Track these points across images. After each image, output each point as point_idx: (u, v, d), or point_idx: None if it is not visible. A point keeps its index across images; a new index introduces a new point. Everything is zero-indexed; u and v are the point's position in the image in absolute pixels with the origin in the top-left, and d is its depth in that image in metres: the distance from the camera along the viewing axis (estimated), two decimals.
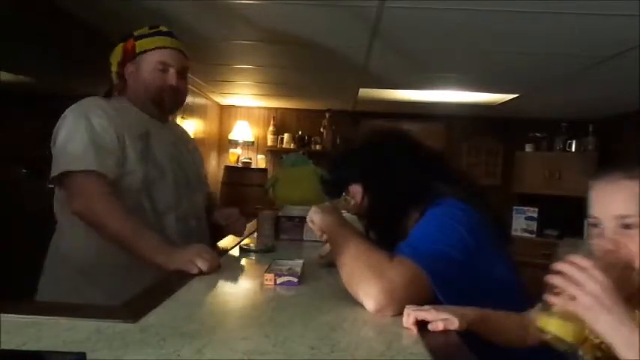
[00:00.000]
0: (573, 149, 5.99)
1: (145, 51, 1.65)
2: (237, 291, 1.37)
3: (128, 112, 1.65)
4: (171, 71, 1.67)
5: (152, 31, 1.70)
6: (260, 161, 6.48)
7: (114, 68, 1.71)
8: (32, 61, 2.52)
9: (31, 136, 2.49)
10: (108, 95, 1.71)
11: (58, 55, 2.73)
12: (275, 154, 6.34)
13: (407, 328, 1.00)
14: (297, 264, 1.46)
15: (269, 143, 6.38)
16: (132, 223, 1.44)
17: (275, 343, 0.89)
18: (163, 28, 1.72)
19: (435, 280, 1.11)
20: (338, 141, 6.22)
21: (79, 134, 1.50)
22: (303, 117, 6.49)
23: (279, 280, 1.33)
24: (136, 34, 1.69)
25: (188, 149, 1.85)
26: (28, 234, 1.68)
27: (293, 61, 3.84)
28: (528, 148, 6.16)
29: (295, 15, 2.73)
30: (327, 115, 6.25)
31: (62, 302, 1.48)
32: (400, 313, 1.04)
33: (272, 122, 6.43)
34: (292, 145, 6.26)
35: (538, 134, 6.15)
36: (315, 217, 1.38)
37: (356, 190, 1.46)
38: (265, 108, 6.52)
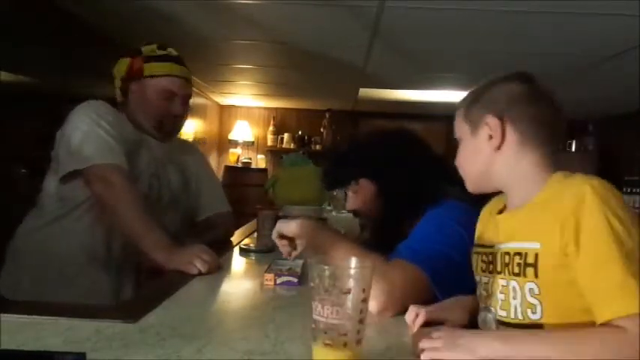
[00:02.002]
0: (573, 149, 5.99)
1: (153, 76, 1.65)
2: (237, 291, 1.37)
3: (123, 124, 1.65)
4: (176, 100, 1.67)
5: (161, 53, 1.69)
6: (260, 161, 6.49)
7: (117, 83, 1.70)
8: (32, 61, 2.52)
9: (31, 136, 2.50)
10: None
11: (58, 55, 2.73)
12: (275, 154, 6.35)
13: (408, 328, 1.00)
14: (297, 264, 1.46)
15: (269, 143, 6.38)
16: (145, 216, 1.45)
17: (275, 343, 0.89)
18: (172, 52, 1.71)
19: (435, 281, 1.11)
20: (338, 140, 6.23)
21: (96, 131, 1.53)
22: (303, 117, 6.50)
23: (279, 280, 1.33)
24: (144, 53, 1.68)
25: (178, 169, 1.79)
26: None
27: (293, 61, 3.85)
28: None
29: (295, 15, 2.74)
30: (327, 115, 6.25)
31: (62, 302, 1.48)
32: (401, 314, 1.05)
33: (272, 122, 6.44)
34: (292, 145, 6.27)
35: None
36: (286, 228, 1.23)
37: (366, 185, 1.45)
38: (265, 108, 6.52)
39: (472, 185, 1.04)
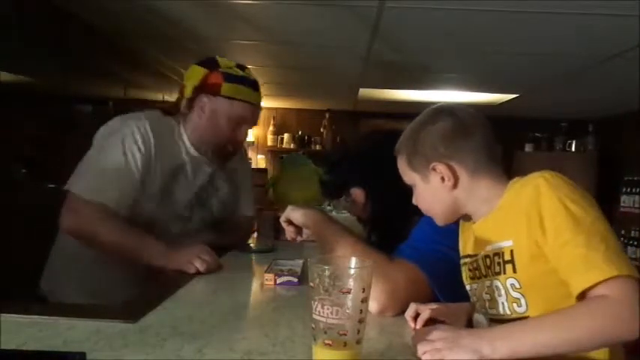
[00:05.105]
0: (573, 149, 5.99)
1: (231, 98, 1.57)
2: (237, 291, 1.37)
3: (174, 142, 1.59)
4: (245, 127, 1.62)
5: (241, 75, 1.61)
6: (260, 161, 6.48)
7: (187, 92, 1.60)
8: (32, 61, 2.52)
9: (31, 136, 2.50)
10: (171, 111, 1.63)
11: (58, 55, 2.73)
12: (275, 154, 6.34)
13: (409, 328, 1.01)
14: (297, 264, 1.46)
15: (269, 143, 6.38)
16: (126, 234, 1.43)
17: (275, 343, 0.89)
18: (250, 74, 1.63)
19: (434, 282, 1.11)
20: (338, 140, 6.23)
21: (102, 158, 1.48)
22: (303, 117, 6.49)
23: (279, 280, 1.33)
24: (222, 67, 1.59)
25: (228, 177, 1.76)
26: (28, 234, 1.68)
27: (293, 61, 3.84)
28: (528, 148, 6.16)
29: (295, 15, 2.73)
30: (327, 115, 6.25)
31: (62, 302, 1.49)
32: (401, 314, 1.05)
33: (272, 122, 6.43)
34: (292, 145, 6.26)
35: (538, 134, 6.15)
36: (294, 215, 1.29)
37: (358, 193, 1.45)
38: (265, 108, 6.51)
39: (442, 222, 1.08)
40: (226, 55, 1.68)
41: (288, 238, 1.34)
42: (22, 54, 2.44)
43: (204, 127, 1.59)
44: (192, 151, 1.62)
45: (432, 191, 1.04)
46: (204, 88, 1.57)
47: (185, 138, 1.62)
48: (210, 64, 1.60)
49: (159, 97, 4.28)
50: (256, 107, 1.63)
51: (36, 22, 2.53)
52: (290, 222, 1.31)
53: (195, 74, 1.59)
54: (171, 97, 4.53)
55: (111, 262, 1.52)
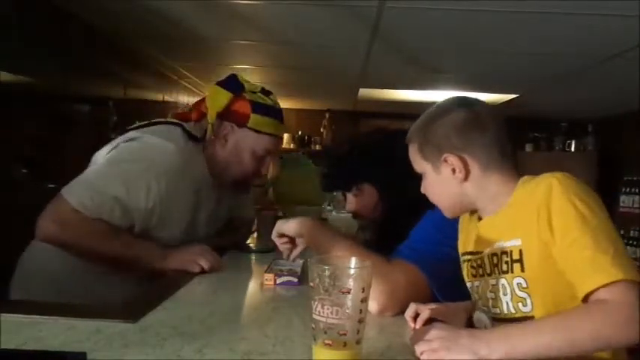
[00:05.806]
0: (573, 149, 6.00)
1: (258, 131, 1.49)
2: (237, 291, 1.37)
3: (197, 174, 1.51)
4: (268, 159, 1.55)
5: (268, 104, 1.52)
6: None
7: (211, 117, 1.49)
8: (32, 61, 2.52)
9: (31, 136, 2.50)
10: (196, 137, 1.52)
11: (58, 55, 2.73)
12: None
13: (409, 328, 1.01)
14: (297, 264, 1.46)
15: None
16: (120, 242, 1.39)
17: (275, 343, 0.89)
18: (276, 101, 1.56)
19: (433, 282, 1.11)
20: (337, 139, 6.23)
21: (111, 175, 1.40)
22: (303, 117, 6.49)
23: (279, 280, 1.33)
24: (248, 93, 1.50)
25: (232, 196, 1.72)
26: (28, 234, 1.67)
27: (293, 61, 3.85)
28: (528, 148, 6.16)
29: (295, 15, 2.74)
30: (327, 115, 6.25)
31: (62, 302, 1.48)
32: (401, 313, 1.05)
33: None
34: (292, 145, 6.27)
35: (538, 134, 6.15)
36: (286, 227, 1.24)
37: (367, 190, 1.44)
38: None
39: (450, 214, 1.08)
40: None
41: (284, 255, 1.30)
42: (22, 54, 2.44)
43: (226, 158, 1.52)
44: (208, 176, 1.56)
45: (442, 182, 1.02)
46: (229, 115, 1.49)
47: (205, 165, 1.54)
48: (235, 86, 1.50)
49: (159, 97, 4.28)
50: (281, 139, 1.59)
51: (36, 22, 2.53)
52: (282, 235, 1.27)
53: (219, 99, 1.49)
54: (170, 98, 4.53)
55: (92, 270, 1.44)
